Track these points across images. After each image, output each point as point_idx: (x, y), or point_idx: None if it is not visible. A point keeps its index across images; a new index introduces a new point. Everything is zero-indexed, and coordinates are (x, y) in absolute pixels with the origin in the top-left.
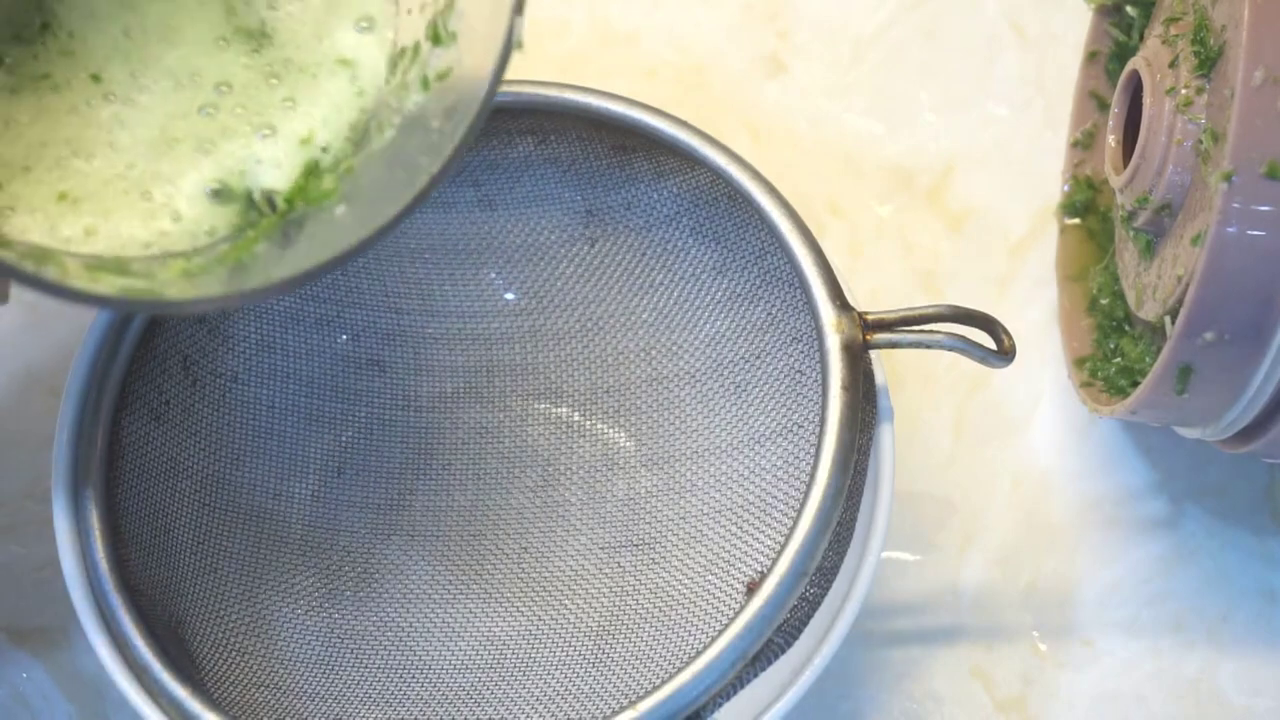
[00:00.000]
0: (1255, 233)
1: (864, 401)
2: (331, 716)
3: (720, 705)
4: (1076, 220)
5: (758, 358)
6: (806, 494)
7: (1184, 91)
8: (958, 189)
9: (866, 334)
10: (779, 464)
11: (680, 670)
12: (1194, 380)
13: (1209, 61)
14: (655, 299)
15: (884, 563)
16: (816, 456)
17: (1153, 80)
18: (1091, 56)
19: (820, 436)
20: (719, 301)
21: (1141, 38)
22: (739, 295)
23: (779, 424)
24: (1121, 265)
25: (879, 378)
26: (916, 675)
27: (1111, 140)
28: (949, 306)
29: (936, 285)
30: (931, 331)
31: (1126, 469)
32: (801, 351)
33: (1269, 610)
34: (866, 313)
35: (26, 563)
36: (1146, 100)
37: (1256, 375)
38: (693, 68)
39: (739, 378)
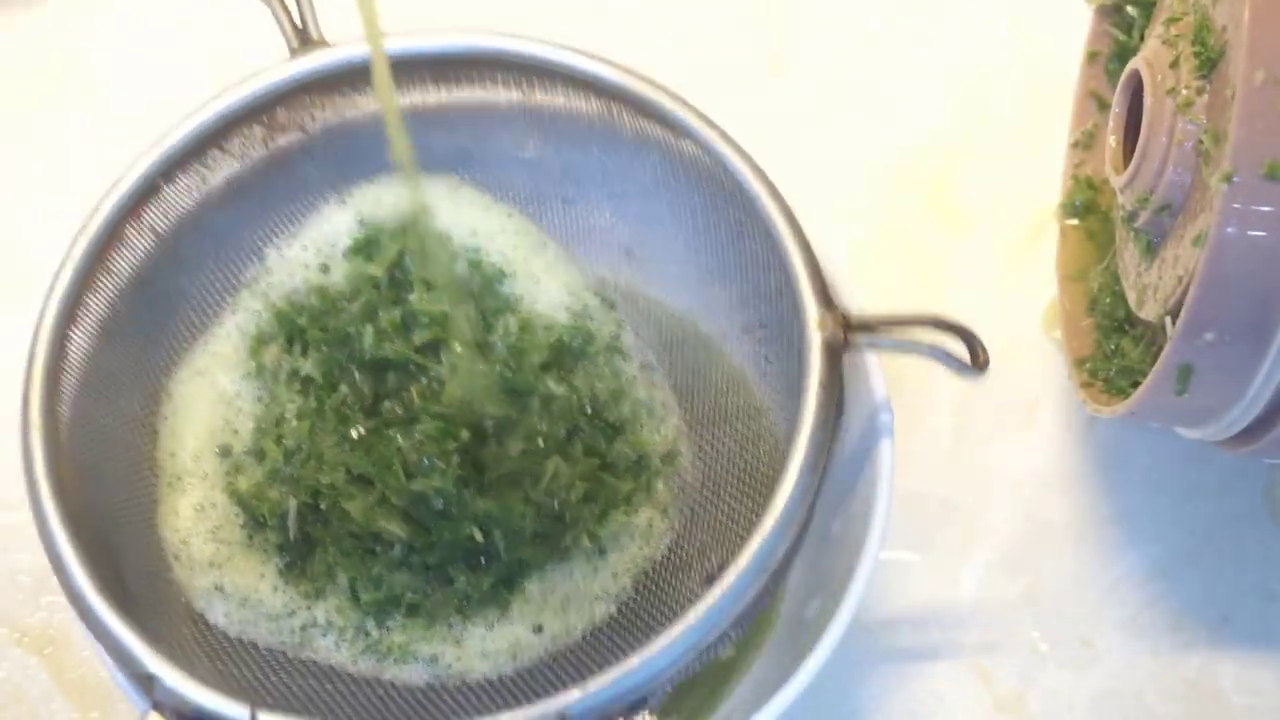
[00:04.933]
0: (1256, 233)
1: (836, 404)
2: (263, 652)
3: (666, 691)
4: (1077, 221)
5: (723, 338)
6: (774, 491)
7: (1185, 92)
8: (958, 189)
9: (848, 334)
10: (737, 446)
11: (631, 653)
12: (1194, 381)
13: (1210, 62)
14: (625, 270)
15: (884, 562)
16: (787, 454)
17: (1153, 80)
18: (1092, 57)
19: (794, 435)
20: (690, 279)
21: (1142, 38)
22: (710, 274)
23: (740, 407)
24: (1122, 266)
25: (879, 388)
26: (917, 674)
27: (1112, 140)
28: (932, 315)
29: (936, 285)
30: (912, 339)
31: (1127, 469)
32: (769, 337)
33: (1269, 611)
34: (848, 314)
35: None
36: (1147, 101)
37: (1257, 376)
38: (692, 67)
39: (702, 359)
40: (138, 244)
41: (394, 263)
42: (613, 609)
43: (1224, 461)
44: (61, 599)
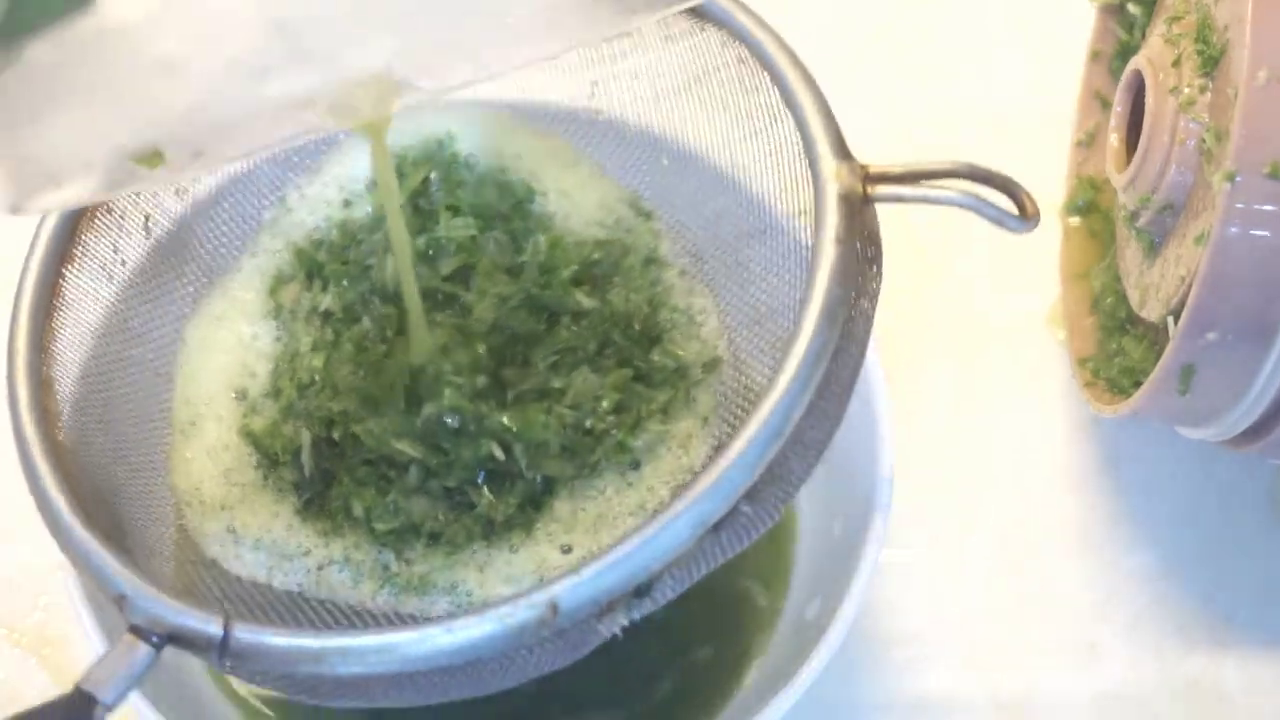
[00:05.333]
0: (1258, 233)
1: (864, 261)
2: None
3: (680, 580)
4: (1080, 220)
5: (763, 233)
6: (787, 348)
7: (1187, 91)
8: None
9: (868, 186)
10: (780, 345)
11: (630, 534)
12: (1197, 380)
13: (1212, 61)
14: (659, 175)
15: (884, 562)
16: (801, 308)
17: (1155, 79)
18: (1095, 55)
19: (807, 289)
20: (724, 174)
21: (1144, 37)
22: (745, 168)
23: (781, 302)
24: (1124, 265)
25: (880, 387)
26: (918, 676)
27: (1114, 140)
28: (964, 163)
29: (937, 285)
30: (942, 186)
31: (1129, 469)
32: (808, 225)
33: (1272, 611)
34: (870, 165)
35: None
36: (1149, 99)
37: (1260, 375)
38: None
39: (741, 254)
40: None
41: (418, 191)
42: None
43: (1227, 461)
44: (61, 599)
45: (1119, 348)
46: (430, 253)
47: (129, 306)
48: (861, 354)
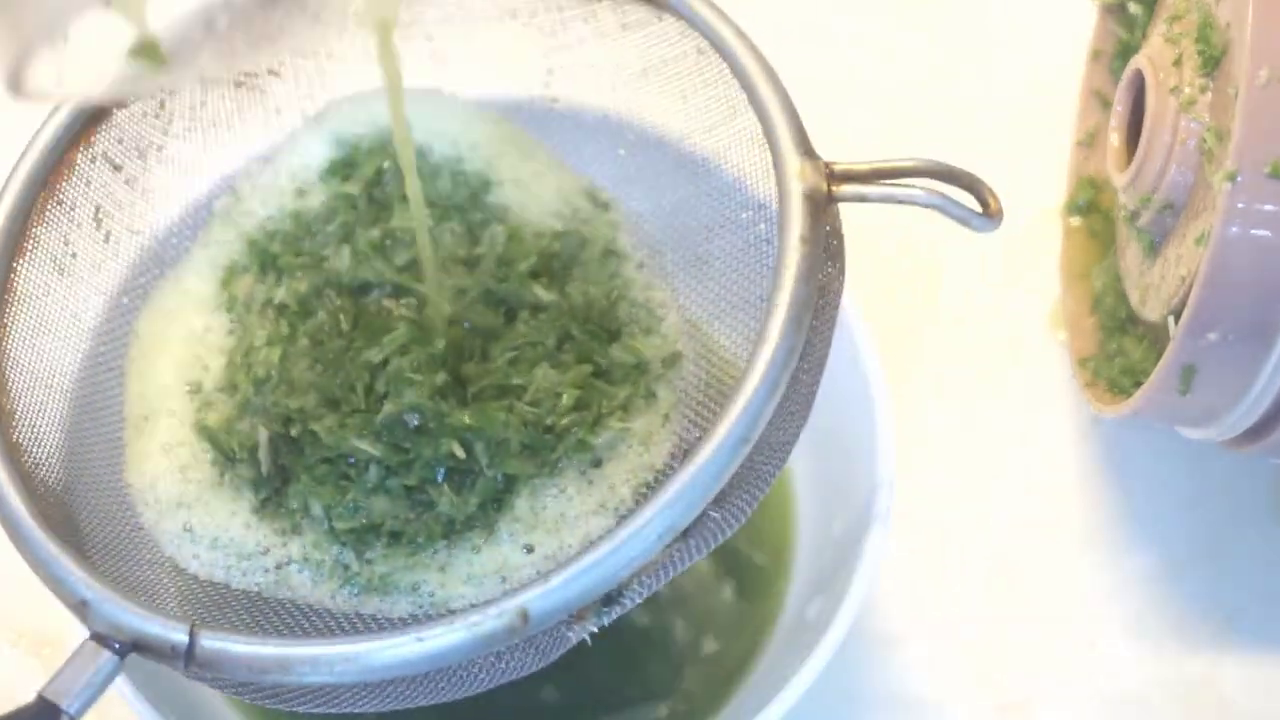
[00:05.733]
0: (1259, 233)
1: (827, 260)
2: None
3: (647, 586)
4: (1080, 220)
5: (722, 226)
6: (754, 352)
7: (1187, 90)
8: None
9: (832, 184)
10: (739, 341)
11: (599, 541)
12: (1198, 380)
13: (1213, 60)
14: (616, 166)
15: (886, 563)
16: (767, 312)
17: (1156, 79)
18: (1096, 55)
19: (773, 292)
20: (683, 166)
21: (1145, 36)
22: (705, 160)
23: (741, 297)
24: (1124, 265)
25: (881, 387)
26: (919, 677)
27: (1114, 139)
28: (929, 160)
29: (937, 285)
30: (906, 184)
31: (1130, 469)
32: (769, 219)
33: (1274, 612)
34: (834, 162)
35: None
36: (1150, 99)
37: (1261, 375)
38: None
39: (701, 248)
40: (90, 173)
41: (372, 181)
42: (612, 523)
43: (1228, 462)
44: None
45: (1119, 348)
46: (385, 244)
47: (80, 300)
48: (825, 352)
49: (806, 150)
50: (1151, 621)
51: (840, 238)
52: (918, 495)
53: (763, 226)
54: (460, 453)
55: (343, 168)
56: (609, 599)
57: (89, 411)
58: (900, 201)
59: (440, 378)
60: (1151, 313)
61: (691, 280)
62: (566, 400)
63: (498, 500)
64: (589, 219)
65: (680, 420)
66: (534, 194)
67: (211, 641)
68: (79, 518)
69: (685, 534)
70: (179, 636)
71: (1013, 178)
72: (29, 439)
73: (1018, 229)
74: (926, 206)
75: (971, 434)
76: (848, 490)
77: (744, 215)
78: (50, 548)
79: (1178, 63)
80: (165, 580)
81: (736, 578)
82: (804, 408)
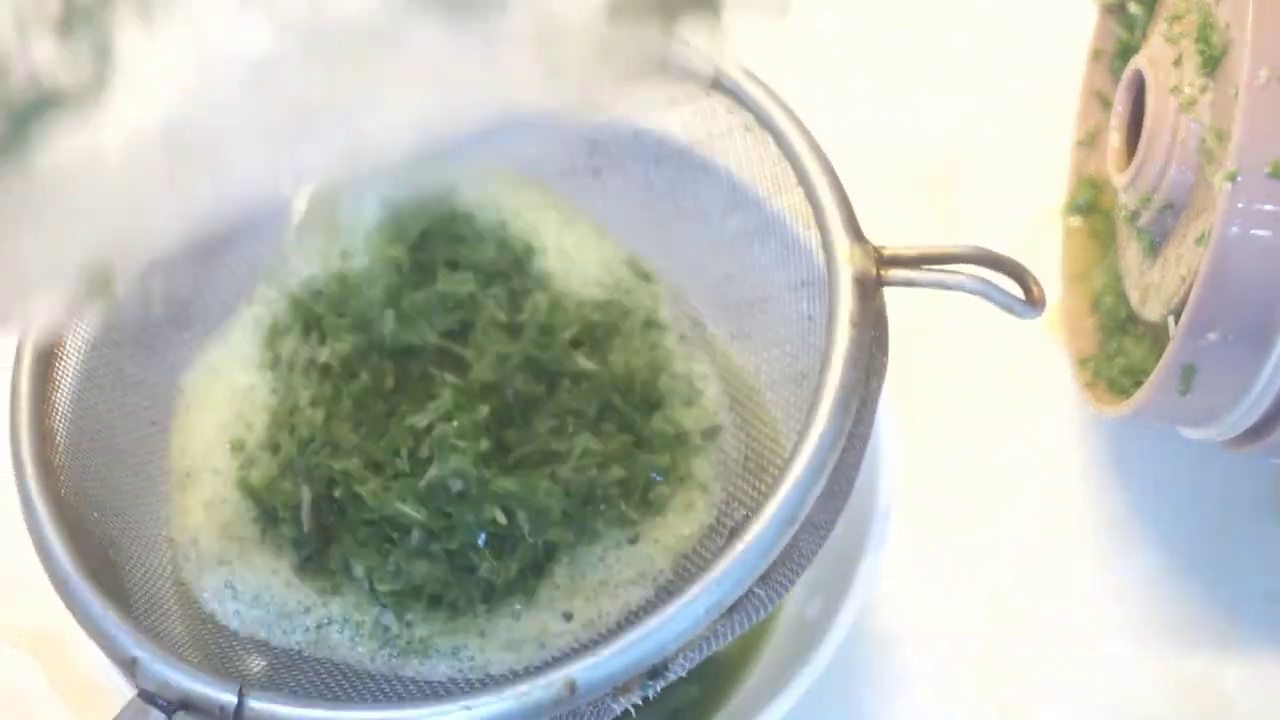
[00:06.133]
0: (1259, 233)
1: (874, 345)
2: (275, 651)
3: (691, 660)
4: (1081, 220)
5: (765, 301)
6: (802, 434)
7: (1188, 90)
8: (961, 188)
9: (881, 269)
10: (780, 416)
11: (647, 615)
12: (1198, 380)
13: (1213, 60)
14: (659, 239)
15: (885, 562)
16: (816, 395)
17: (1156, 79)
18: (1096, 55)
19: (821, 374)
20: (727, 241)
21: (1145, 36)
22: (749, 234)
23: (783, 373)
24: (1124, 265)
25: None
26: (918, 677)
27: (1114, 139)
28: (975, 248)
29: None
30: (953, 272)
31: (1130, 470)
32: (812, 295)
33: (1274, 613)
34: (883, 247)
35: None
36: (1150, 99)
37: (1261, 375)
38: None
39: (744, 323)
40: None
41: (416, 244)
42: (650, 593)
43: (1228, 462)
44: (60, 601)
45: (1119, 348)
46: (430, 307)
47: (126, 355)
48: (868, 434)
49: (856, 233)
50: (1151, 622)
51: (885, 321)
52: (918, 495)
53: (804, 305)
54: (502, 519)
55: (388, 229)
56: (654, 671)
57: (132, 467)
58: (947, 288)
59: (484, 444)
60: (1151, 313)
61: (733, 353)
62: (610, 474)
63: (538, 567)
64: (631, 289)
65: (719, 493)
66: (576, 262)
67: (260, 703)
68: (123, 572)
69: (730, 610)
70: (228, 697)
71: (1013, 178)
72: (75, 494)
73: (1018, 229)
74: (973, 293)
75: (971, 434)
76: None
77: (787, 295)
78: (99, 604)
79: (1178, 63)
80: (207, 638)
81: None
82: (846, 488)
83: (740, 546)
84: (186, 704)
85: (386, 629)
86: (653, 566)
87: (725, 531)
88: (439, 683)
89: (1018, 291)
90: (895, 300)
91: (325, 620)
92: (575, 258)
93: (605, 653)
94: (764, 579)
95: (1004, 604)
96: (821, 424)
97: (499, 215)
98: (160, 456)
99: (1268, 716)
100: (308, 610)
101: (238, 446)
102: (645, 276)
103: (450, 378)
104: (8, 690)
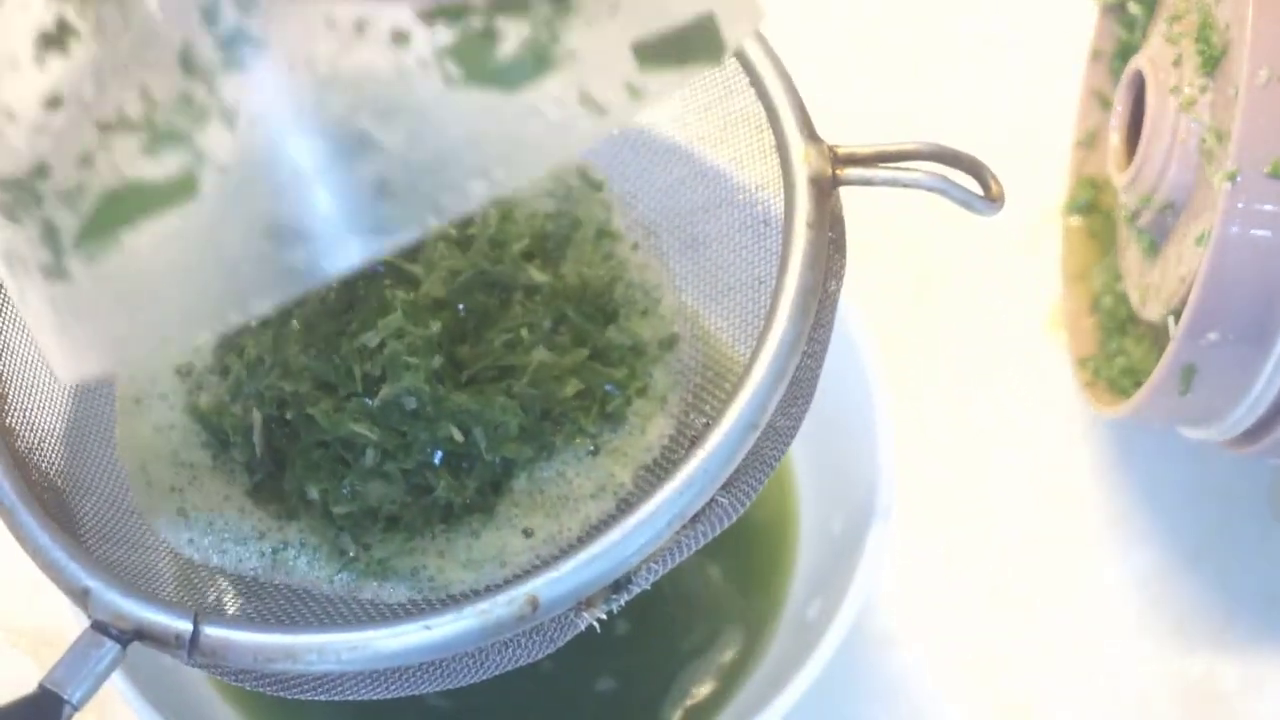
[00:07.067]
0: (1259, 233)
1: (831, 247)
2: (228, 583)
3: (655, 572)
4: (1080, 220)
5: (718, 206)
6: (762, 338)
7: (1188, 90)
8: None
9: (837, 168)
10: (738, 322)
11: (609, 526)
12: (1198, 381)
13: (1213, 60)
14: (609, 145)
15: (886, 564)
16: (774, 298)
17: (1156, 79)
18: (1096, 55)
19: (780, 277)
20: (678, 146)
21: (1145, 36)
22: (701, 139)
23: (739, 278)
24: (1124, 265)
25: (881, 387)
26: (918, 677)
27: (1114, 139)
28: (931, 144)
29: (937, 285)
30: (910, 169)
31: (1129, 470)
32: (767, 199)
33: (1273, 613)
34: (838, 146)
35: None
36: (1150, 99)
37: (1260, 375)
38: None
39: (698, 229)
40: None
41: None
42: (611, 506)
43: (1227, 462)
44: (59, 600)
45: (1119, 348)
46: None
47: None
48: (827, 338)
49: (811, 134)
50: (1151, 621)
51: (842, 223)
52: (917, 494)
53: (759, 208)
54: (458, 436)
55: None
56: (618, 585)
57: (78, 393)
58: (904, 185)
59: (436, 361)
60: (1151, 313)
61: (687, 260)
62: (567, 388)
63: (496, 484)
64: (582, 199)
65: (677, 403)
66: None
67: (216, 630)
68: (75, 503)
69: (694, 519)
70: (183, 625)
71: (1013, 178)
72: (21, 422)
73: (1018, 229)
74: (930, 190)
75: (971, 434)
76: (848, 489)
77: (740, 197)
78: (50, 533)
79: (1178, 63)
80: (162, 566)
81: (737, 577)
82: (807, 393)
83: (701, 454)
84: (141, 633)
85: (343, 552)
86: (613, 480)
87: (686, 442)
88: (399, 604)
89: (976, 189)
90: (895, 300)
91: (281, 545)
92: None
93: (567, 567)
94: (727, 487)
95: (1004, 604)
96: (781, 327)
97: None
98: (108, 383)
99: (1268, 716)
100: (262, 535)
101: (185, 371)
102: (596, 185)
103: (401, 294)
104: (8, 690)
